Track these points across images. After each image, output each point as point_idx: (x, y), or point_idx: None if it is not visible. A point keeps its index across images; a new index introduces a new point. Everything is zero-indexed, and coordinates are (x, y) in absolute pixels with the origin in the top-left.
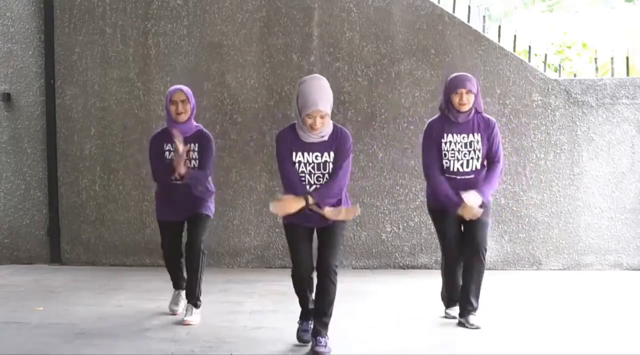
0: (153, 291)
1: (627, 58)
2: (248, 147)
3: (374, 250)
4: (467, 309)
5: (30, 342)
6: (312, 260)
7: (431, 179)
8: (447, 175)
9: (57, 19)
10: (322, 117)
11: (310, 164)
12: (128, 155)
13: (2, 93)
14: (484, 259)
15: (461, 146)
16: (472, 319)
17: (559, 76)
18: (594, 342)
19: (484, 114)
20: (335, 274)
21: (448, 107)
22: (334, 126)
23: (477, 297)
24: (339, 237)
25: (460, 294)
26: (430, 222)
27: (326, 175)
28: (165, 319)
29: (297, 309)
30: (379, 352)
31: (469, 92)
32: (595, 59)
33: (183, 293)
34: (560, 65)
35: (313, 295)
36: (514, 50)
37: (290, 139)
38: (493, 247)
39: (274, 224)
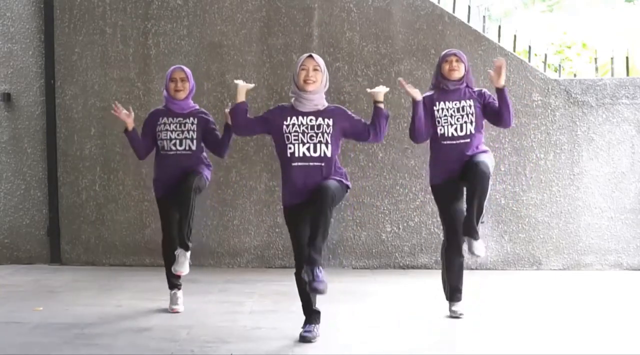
0: (153, 291)
1: (627, 58)
2: (248, 147)
3: (374, 250)
4: (472, 235)
5: (30, 342)
6: None
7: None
8: (442, 141)
9: (57, 19)
10: (315, 69)
11: (303, 125)
12: (128, 155)
13: (2, 93)
14: (489, 175)
15: (453, 111)
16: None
17: (559, 76)
18: (594, 342)
19: (475, 88)
20: (332, 200)
21: (438, 79)
22: (329, 105)
23: (479, 219)
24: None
25: (464, 218)
26: (431, 222)
27: (319, 135)
28: (165, 319)
29: (297, 309)
30: (379, 352)
31: (458, 60)
32: (595, 59)
33: (180, 292)
34: (560, 65)
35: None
36: (514, 50)
37: (282, 110)
38: (493, 247)
39: (274, 224)
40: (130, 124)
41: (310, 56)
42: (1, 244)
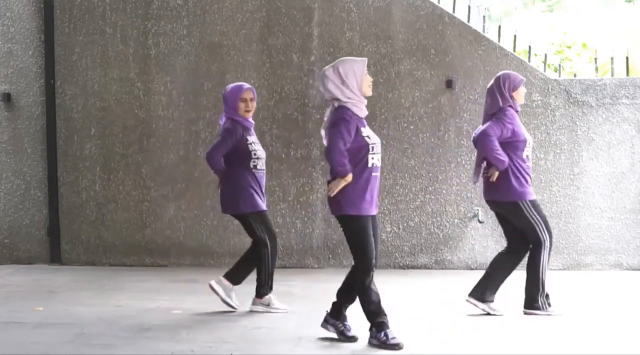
0: (153, 291)
1: (627, 58)
2: None
3: None
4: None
5: (30, 342)
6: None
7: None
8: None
9: (57, 19)
10: (367, 74)
11: (373, 134)
12: (128, 155)
13: (2, 93)
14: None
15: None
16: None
17: (559, 76)
18: (593, 342)
19: None
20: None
21: (513, 101)
22: None
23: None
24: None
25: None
26: (431, 222)
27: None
28: (165, 319)
29: (298, 309)
30: (379, 352)
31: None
32: (595, 59)
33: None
34: (560, 65)
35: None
36: (514, 50)
37: (354, 121)
38: (493, 247)
39: (273, 223)
40: None
41: (365, 59)
42: (1, 244)
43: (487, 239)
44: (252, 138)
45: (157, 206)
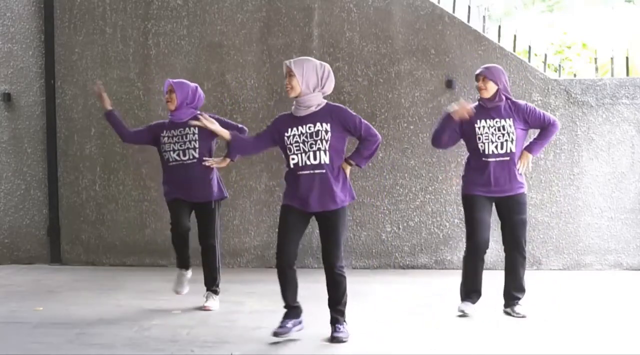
0: (153, 291)
1: (627, 58)
2: None
3: (374, 250)
4: (511, 302)
5: (30, 342)
6: (296, 251)
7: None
8: (483, 158)
9: (57, 19)
10: (290, 76)
11: (302, 134)
12: (128, 155)
13: (2, 93)
14: (525, 252)
15: (494, 130)
16: (518, 308)
17: (559, 76)
18: (594, 342)
19: (514, 99)
20: (342, 268)
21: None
22: (327, 103)
23: (521, 290)
24: (342, 231)
25: (504, 288)
26: (431, 222)
27: (318, 143)
28: (165, 319)
29: None
30: (379, 351)
31: (485, 78)
32: (595, 59)
33: (189, 273)
34: (560, 65)
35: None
36: (514, 50)
37: (283, 119)
38: (493, 247)
39: (274, 223)
40: (107, 102)
41: (286, 62)
42: (1, 244)
43: None
44: (171, 132)
45: (157, 206)
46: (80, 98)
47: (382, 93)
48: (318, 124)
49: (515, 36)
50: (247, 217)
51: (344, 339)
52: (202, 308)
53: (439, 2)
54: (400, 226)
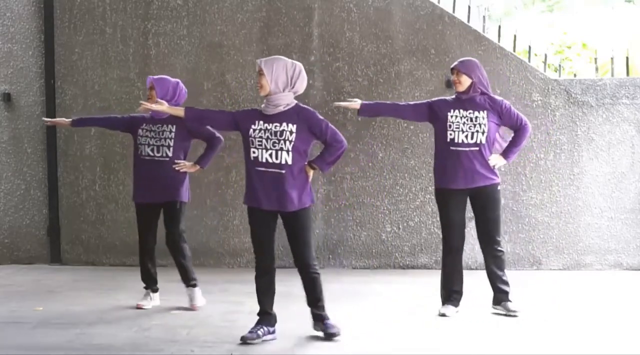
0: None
1: (627, 58)
2: None
3: (374, 250)
4: (501, 296)
5: (30, 342)
6: (272, 251)
7: None
8: (451, 147)
9: (57, 19)
10: (260, 74)
11: (268, 130)
12: (128, 155)
13: (2, 93)
14: (500, 246)
15: (466, 120)
16: (510, 305)
17: (559, 76)
18: (594, 342)
19: (493, 95)
20: (316, 266)
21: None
22: (297, 104)
23: (506, 283)
24: (308, 231)
25: (491, 285)
26: (431, 222)
27: (282, 142)
28: (165, 319)
29: (298, 309)
30: (379, 351)
31: (458, 73)
32: (595, 59)
33: (155, 294)
34: (560, 65)
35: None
36: (514, 50)
37: (252, 113)
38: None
39: None
40: (61, 122)
41: (258, 61)
42: (1, 244)
43: None
44: (149, 126)
45: None
46: (80, 98)
47: (382, 93)
48: (284, 124)
49: (515, 36)
50: (247, 217)
51: (339, 333)
52: (190, 308)
53: (439, 2)
54: (400, 226)
